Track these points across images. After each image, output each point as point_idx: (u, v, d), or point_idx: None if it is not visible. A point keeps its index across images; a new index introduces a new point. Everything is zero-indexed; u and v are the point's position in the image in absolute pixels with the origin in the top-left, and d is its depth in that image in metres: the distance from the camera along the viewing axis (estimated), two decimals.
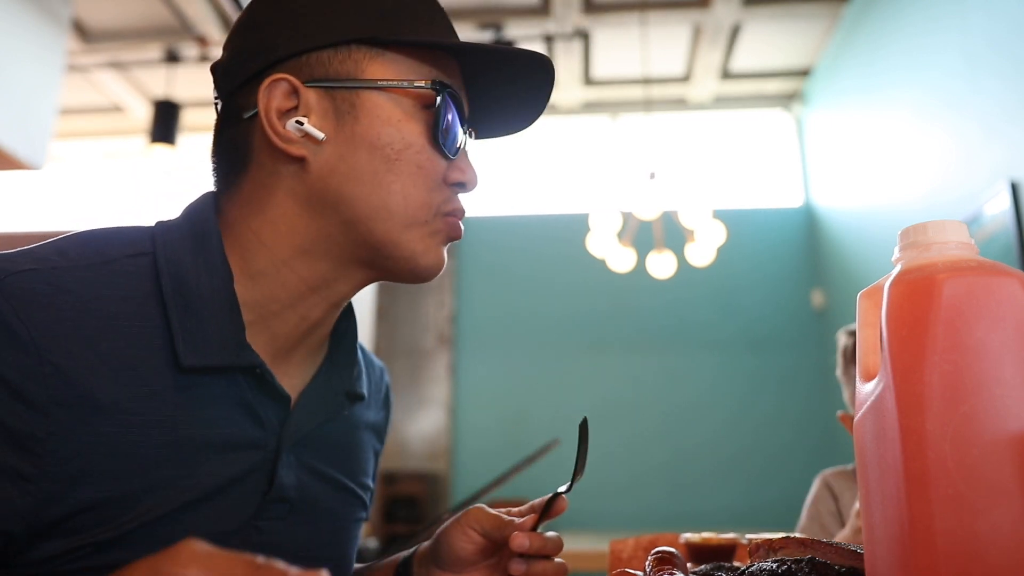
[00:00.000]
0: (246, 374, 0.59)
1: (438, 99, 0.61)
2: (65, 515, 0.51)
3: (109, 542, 0.52)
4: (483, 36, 4.43)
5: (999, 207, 2.82)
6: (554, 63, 4.10)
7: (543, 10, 4.50)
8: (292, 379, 0.65)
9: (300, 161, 0.60)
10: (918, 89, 3.52)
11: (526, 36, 4.64)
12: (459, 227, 0.65)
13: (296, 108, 0.60)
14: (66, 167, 6.00)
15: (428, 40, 0.63)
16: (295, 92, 0.60)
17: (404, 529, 4.57)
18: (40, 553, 0.51)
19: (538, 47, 4.85)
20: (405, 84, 0.61)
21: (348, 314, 0.71)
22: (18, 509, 0.49)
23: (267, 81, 0.59)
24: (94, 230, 0.60)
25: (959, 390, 0.38)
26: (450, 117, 0.62)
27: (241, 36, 0.64)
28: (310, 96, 0.60)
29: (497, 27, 4.44)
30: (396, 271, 0.64)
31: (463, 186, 0.65)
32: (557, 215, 5.49)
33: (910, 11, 3.59)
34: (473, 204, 5.24)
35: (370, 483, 0.78)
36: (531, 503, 0.70)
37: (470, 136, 0.67)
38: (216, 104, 0.66)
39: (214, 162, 0.65)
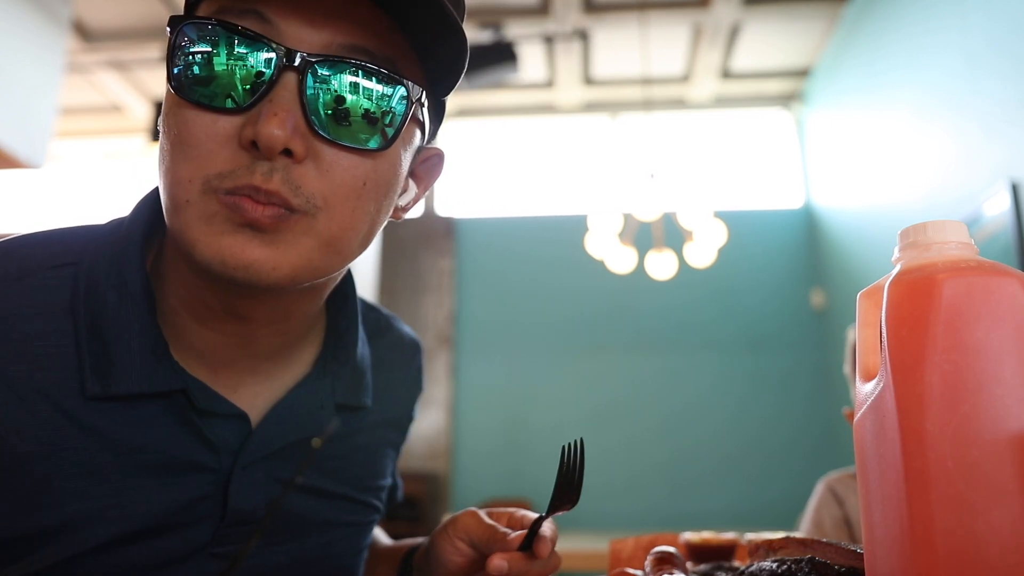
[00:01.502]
0: (182, 393, 0.53)
1: (171, 36, 0.47)
2: None
3: None
4: (483, 36, 4.43)
5: (999, 207, 2.82)
6: (555, 62, 4.04)
7: (543, 10, 4.50)
8: (257, 391, 0.58)
9: None
10: (918, 89, 3.52)
11: (526, 36, 4.64)
12: (248, 207, 0.46)
13: None
14: (66, 167, 6.00)
15: None
16: None
17: (404, 529, 4.57)
18: None
19: (538, 47, 4.85)
20: (167, 39, 0.48)
21: (348, 312, 0.63)
22: None
23: None
24: (29, 235, 0.54)
25: (959, 390, 0.38)
26: (193, 55, 0.46)
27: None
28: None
29: (497, 27, 4.44)
30: (193, 269, 0.51)
31: (255, 145, 0.45)
32: (557, 215, 5.49)
33: (910, 11, 3.59)
34: (473, 204, 5.24)
35: (384, 483, 0.72)
36: (523, 515, 0.64)
37: (306, 66, 0.46)
38: None
39: None
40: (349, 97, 0.47)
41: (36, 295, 0.51)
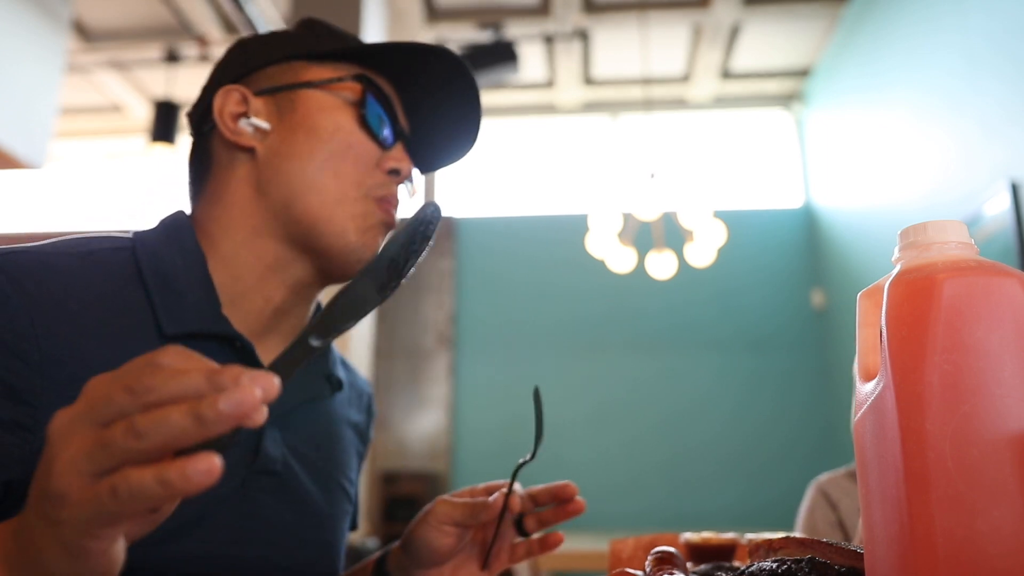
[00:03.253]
0: (227, 346, 0.65)
1: (363, 89, 0.71)
2: None
3: None
4: (483, 36, 4.43)
5: (999, 207, 2.82)
6: (555, 62, 4.04)
7: (543, 10, 4.50)
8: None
9: (250, 151, 0.70)
10: (918, 89, 3.52)
11: (526, 36, 4.64)
12: (392, 214, 0.72)
13: (247, 113, 0.70)
14: (66, 167, 6.00)
15: (351, 45, 0.73)
16: (245, 99, 0.70)
17: (404, 529, 4.57)
18: None
19: (538, 47, 4.86)
20: (334, 80, 0.71)
21: (318, 303, 0.78)
22: (17, 458, 0.53)
23: (221, 91, 0.71)
24: (79, 235, 0.67)
25: (959, 390, 0.38)
26: (376, 107, 0.71)
27: (211, 75, 0.75)
28: (257, 102, 0.71)
29: (497, 27, 4.44)
30: (331, 249, 0.69)
31: (397, 173, 0.72)
32: (557, 215, 5.49)
33: (910, 11, 3.59)
34: (473, 204, 5.24)
35: (353, 480, 0.80)
36: (487, 485, 0.76)
37: (404, 137, 0.74)
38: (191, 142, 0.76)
39: (189, 183, 0.75)
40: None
41: (107, 266, 0.63)
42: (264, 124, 0.69)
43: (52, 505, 0.35)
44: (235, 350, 0.65)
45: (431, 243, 0.60)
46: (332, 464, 0.75)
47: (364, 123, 0.70)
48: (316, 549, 0.70)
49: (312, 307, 0.75)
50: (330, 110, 0.70)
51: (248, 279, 0.68)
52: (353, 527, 0.85)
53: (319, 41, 0.74)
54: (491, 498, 0.71)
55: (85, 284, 0.60)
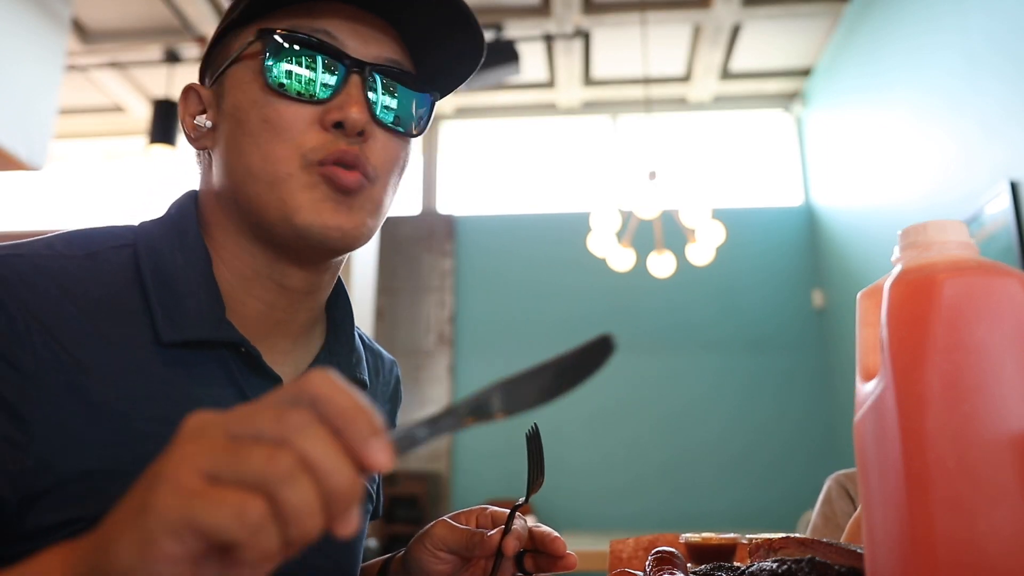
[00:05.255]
0: (232, 352, 0.61)
1: (261, 47, 0.61)
2: (55, 483, 0.51)
3: (100, 515, 0.51)
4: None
5: (999, 207, 2.82)
6: (555, 62, 4.05)
7: (543, 10, 4.50)
8: (284, 367, 0.66)
9: (209, 153, 0.66)
10: (918, 89, 3.52)
11: (526, 36, 4.64)
12: (342, 175, 0.60)
13: (204, 111, 0.66)
14: (66, 167, 6.00)
15: None
16: (199, 97, 0.66)
17: (404, 529, 4.57)
18: (32, 525, 0.51)
19: (538, 47, 4.86)
20: (239, 50, 0.62)
21: (342, 303, 0.73)
22: (10, 475, 0.50)
23: (182, 93, 0.67)
24: (82, 228, 0.63)
25: (959, 390, 0.38)
26: (284, 58, 0.60)
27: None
28: (207, 95, 0.66)
29: (497, 27, 4.44)
30: (284, 238, 0.61)
31: (341, 126, 0.60)
32: (557, 215, 5.49)
33: (910, 11, 3.59)
34: (473, 203, 5.24)
35: (375, 477, 0.78)
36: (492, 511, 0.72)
37: (363, 72, 0.62)
38: None
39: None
40: (396, 95, 0.64)
41: (107, 267, 0.60)
42: (206, 123, 0.65)
43: (149, 487, 0.32)
44: (240, 356, 0.61)
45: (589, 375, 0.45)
46: None
47: (269, 87, 0.60)
48: (331, 557, 0.68)
49: (319, 309, 0.70)
50: (245, 85, 0.62)
51: (238, 282, 0.64)
52: (375, 516, 0.83)
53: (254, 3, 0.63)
54: (490, 533, 0.66)
55: (83, 289, 0.57)
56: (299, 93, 0.60)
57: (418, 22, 0.65)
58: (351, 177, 0.60)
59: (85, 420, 0.53)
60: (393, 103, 0.64)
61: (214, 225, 0.65)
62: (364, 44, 0.63)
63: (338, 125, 0.60)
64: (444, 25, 0.66)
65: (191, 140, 0.66)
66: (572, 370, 0.43)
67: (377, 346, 0.84)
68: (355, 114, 0.60)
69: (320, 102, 0.60)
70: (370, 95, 0.62)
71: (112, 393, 0.54)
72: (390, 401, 0.83)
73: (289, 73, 0.60)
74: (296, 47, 0.60)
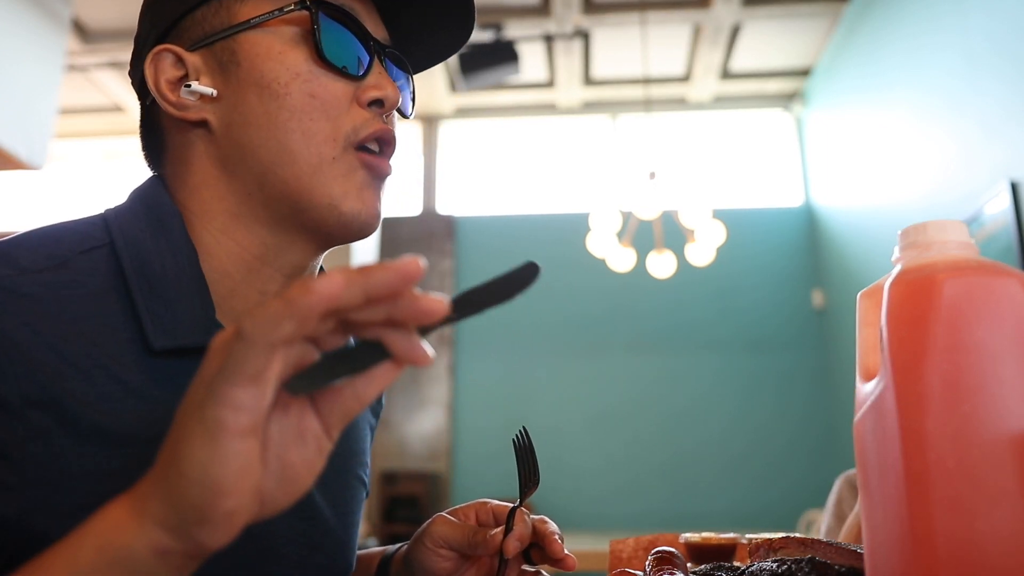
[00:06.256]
0: None
1: (311, 14, 0.58)
2: (52, 523, 0.49)
3: None
4: (483, 36, 4.43)
5: (999, 207, 2.82)
6: (555, 62, 4.05)
7: (543, 10, 4.50)
8: None
9: (204, 125, 0.59)
10: (918, 89, 3.52)
11: (526, 36, 4.64)
12: (381, 163, 0.60)
13: (186, 75, 0.59)
14: (66, 167, 6.00)
15: None
16: (180, 60, 0.59)
17: (404, 529, 4.57)
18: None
19: (538, 47, 4.85)
20: (276, 14, 0.57)
21: None
22: (4, 520, 0.48)
23: (149, 57, 0.59)
24: (40, 229, 0.58)
25: (959, 390, 0.38)
26: (335, 33, 0.58)
27: (139, 23, 0.63)
28: (195, 59, 0.59)
29: (497, 27, 4.44)
30: (325, 224, 0.59)
31: (380, 103, 0.59)
32: (557, 215, 5.49)
33: (910, 11, 3.59)
34: (473, 203, 5.23)
35: (366, 461, 0.76)
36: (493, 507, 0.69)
37: (382, 53, 0.62)
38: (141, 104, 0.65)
39: (143, 145, 0.65)
40: (406, 76, 0.67)
41: (80, 278, 0.54)
42: (208, 90, 0.58)
43: (209, 358, 0.35)
44: None
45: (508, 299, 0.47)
46: (345, 456, 0.69)
47: (323, 59, 0.57)
48: (329, 554, 0.66)
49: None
50: (279, 55, 0.57)
51: (236, 273, 0.59)
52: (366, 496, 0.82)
53: None
54: (492, 532, 0.64)
55: (59, 309, 0.52)
56: (344, 68, 0.58)
57: (411, 12, 0.65)
58: (387, 165, 0.61)
59: (77, 453, 0.50)
60: (407, 83, 0.67)
61: (203, 214, 0.59)
62: (375, 25, 0.63)
63: (374, 103, 0.59)
64: (437, 15, 0.66)
65: (175, 110, 0.58)
66: (502, 289, 0.47)
67: None
68: (393, 92, 0.59)
69: (356, 79, 0.59)
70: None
71: (102, 421, 0.51)
72: None
73: (339, 46, 0.58)
74: (341, 21, 0.59)
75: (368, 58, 0.60)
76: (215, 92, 0.58)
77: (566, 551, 0.65)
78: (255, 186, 0.58)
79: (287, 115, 0.57)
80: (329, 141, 0.57)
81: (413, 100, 0.69)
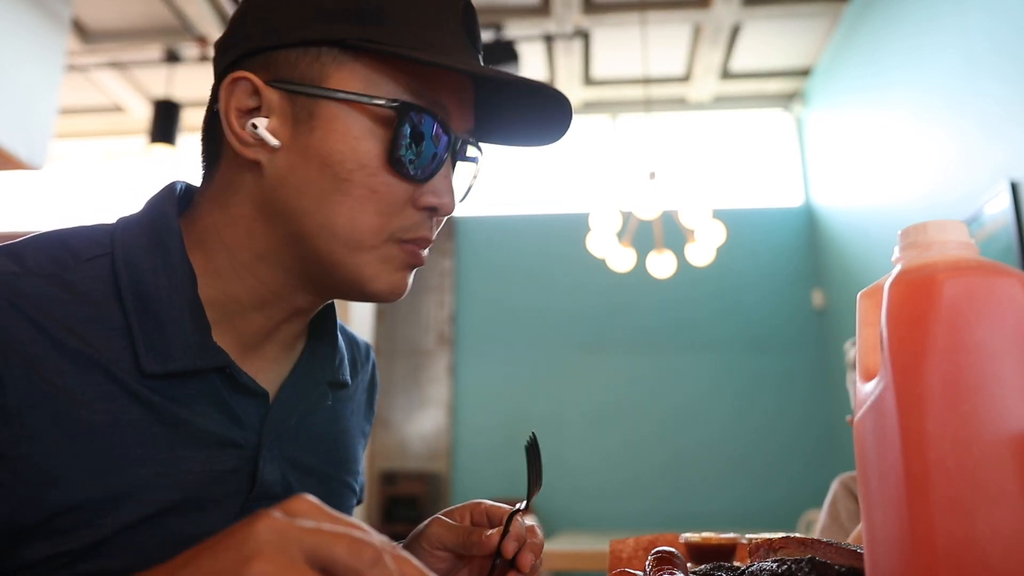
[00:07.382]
0: (218, 372, 0.58)
1: (398, 118, 0.56)
2: (44, 518, 0.50)
3: (92, 547, 0.52)
4: (483, 36, 4.42)
5: (999, 207, 2.82)
6: (555, 62, 4.03)
7: (543, 10, 4.50)
8: (268, 373, 0.64)
9: (258, 166, 0.58)
10: (918, 89, 3.52)
11: (526, 36, 4.64)
12: (419, 255, 0.61)
13: (259, 108, 0.57)
14: (66, 167, 6.00)
15: (398, 51, 0.56)
16: (256, 92, 0.57)
17: (404, 529, 4.57)
18: (24, 559, 0.50)
19: (538, 47, 4.85)
20: (364, 99, 0.56)
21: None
22: None
23: (228, 79, 0.57)
24: (51, 233, 0.58)
25: (959, 390, 0.38)
26: (414, 139, 0.57)
27: (232, 21, 0.62)
28: (272, 97, 0.57)
29: (497, 27, 4.44)
30: (346, 292, 0.61)
31: (435, 210, 0.60)
32: (557, 214, 5.49)
33: (910, 11, 3.59)
34: (473, 203, 5.21)
35: (358, 470, 0.77)
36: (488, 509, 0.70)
37: (464, 152, 0.63)
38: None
39: (201, 146, 0.64)
40: (477, 157, 0.68)
41: (81, 285, 0.55)
42: (273, 141, 0.56)
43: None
44: (225, 376, 0.58)
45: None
46: (335, 466, 0.71)
47: (394, 162, 0.57)
48: None
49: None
50: (354, 140, 0.56)
51: (245, 300, 0.60)
52: (358, 502, 0.82)
53: (366, 25, 0.56)
54: (488, 533, 0.65)
55: (60, 312, 0.53)
56: (414, 174, 0.57)
57: (512, 108, 0.64)
58: (422, 258, 0.62)
59: (70, 452, 0.51)
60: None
61: (233, 244, 0.60)
62: (463, 119, 0.62)
63: (430, 208, 0.59)
64: (536, 117, 0.65)
65: (236, 143, 0.57)
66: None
67: (351, 332, 0.82)
68: (450, 203, 0.60)
69: (421, 181, 0.59)
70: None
71: (96, 420, 0.52)
72: (367, 390, 0.81)
73: (413, 151, 0.57)
74: (424, 124, 0.57)
75: (440, 159, 0.59)
76: (279, 144, 0.57)
77: (539, 559, 0.66)
78: (288, 242, 0.58)
79: (340, 198, 0.56)
80: (375, 233, 0.58)
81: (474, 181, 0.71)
